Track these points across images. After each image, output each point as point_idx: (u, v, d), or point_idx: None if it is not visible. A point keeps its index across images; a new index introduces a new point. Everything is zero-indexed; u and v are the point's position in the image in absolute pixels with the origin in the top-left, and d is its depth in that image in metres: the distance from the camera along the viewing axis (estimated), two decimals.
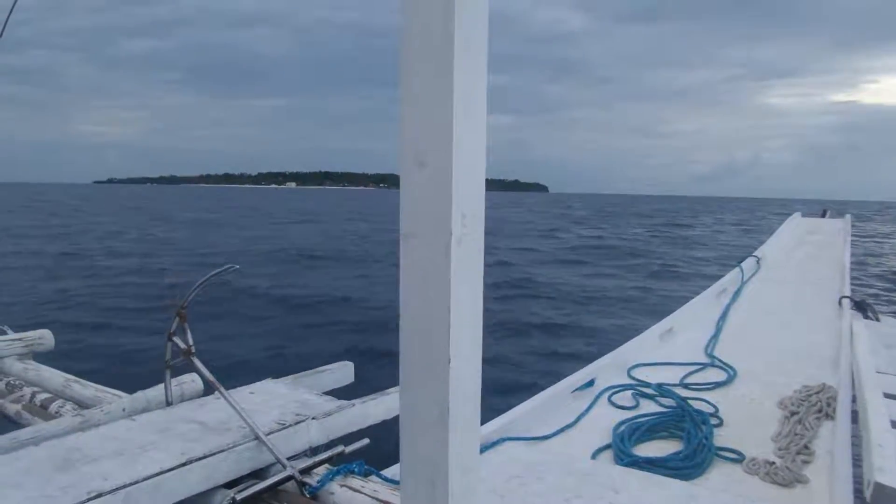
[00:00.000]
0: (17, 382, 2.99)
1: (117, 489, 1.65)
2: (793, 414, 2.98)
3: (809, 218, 8.13)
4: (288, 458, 1.92)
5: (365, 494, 1.76)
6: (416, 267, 1.11)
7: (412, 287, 1.12)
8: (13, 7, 3.68)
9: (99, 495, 1.62)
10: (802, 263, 6.49)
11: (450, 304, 1.07)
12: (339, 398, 2.41)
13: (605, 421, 2.91)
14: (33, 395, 2.76)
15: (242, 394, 2.34)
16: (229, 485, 1.87)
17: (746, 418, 2.96)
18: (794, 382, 3.35)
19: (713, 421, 2.86)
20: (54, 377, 2.97)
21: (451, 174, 1.05)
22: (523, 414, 2.81)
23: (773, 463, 2.51)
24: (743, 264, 5.97)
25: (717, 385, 3.37)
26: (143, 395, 2.47)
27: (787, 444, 2.67)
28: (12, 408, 2.71)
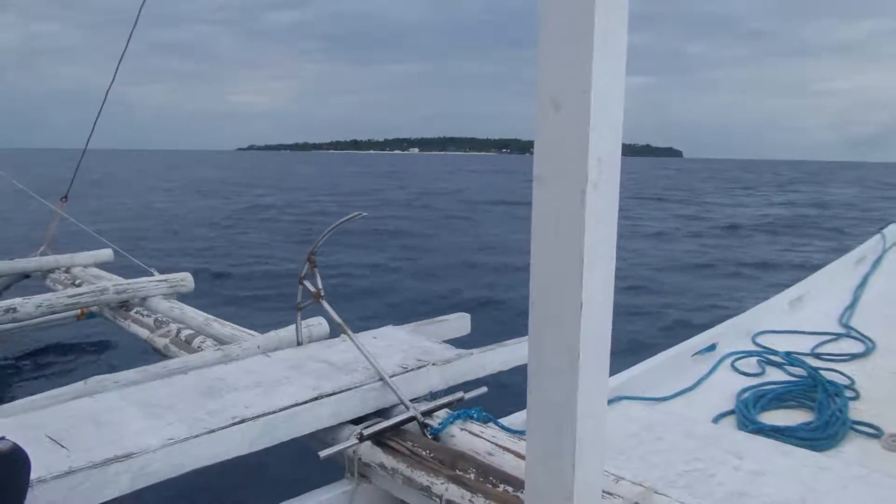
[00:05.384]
0: (164, 319, 3.28)
1: (258, 417, 1.79)
2: None
3: None
4: (410, 401, 2.00)
5: (485, 439, 1.81)
6: (550, 211, 1.10)
7: (545, 231, 1.11)
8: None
9: (242, 421, 1.76)
10: None
11: (583, 249, 1.06)
12: (456, 348, 2.47)
13: (727, 386, 2.81)
14: (178, 330, 3.03)
15: (366, 338, 2.45)
16: (355, 421, 1.97)
17: (886, 393, 2.76)
18: None
19: (848, 393, 2.68)
20: (196, 316, 3.23)
21: (588, 117, 1.03)
22: (641, 374, 2.76)
23: None
24: (885, 231, 5.49)
25: (854, 356, 3.14)
26: (275, 335, 2.64)
27: None
28: (160, 341, 2.98)
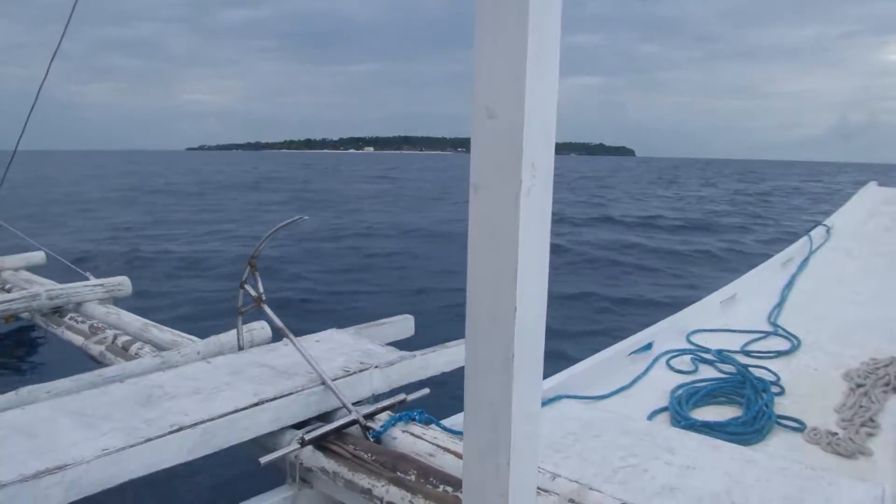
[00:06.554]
0: (99, 325, 3.19)
1: (196, 424, 1.77)
2: (859, 386, 2.90)
3: (885, 188, 7.75)
4: (352, 404, 2.01)
5: (426, 441, 1.83)
6: (485, 217, 1.13)
7: (481, 237, 1.14)
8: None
9: (180, 429, 1.74)
10: (875, 235, 6.21)
11: (517, 254, 1.10)
12: (400, 350, 2.48)
13: (662, 384, 2.91)
14: (115, 337, 2.95)
15: (309, 341, 2.44)
16: (297, 426, 1.97)
17: (809, 388, 2.90)
18: (861, 355, 3.26)
19: (774, 389, 2.82)
20: (133, 321, 3.16)
21: (522, 125, 1.06)
22: (579, 373, 2.83)
23: (836, 434, 2.46)
24: (812, 233, 5.76)
25: (780, 354, 3.30)
26: (216, 340, 2.60)
27: (851, 416, 2.62)
28: (96, 348, 2.90)
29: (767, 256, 5.33)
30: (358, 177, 41.34)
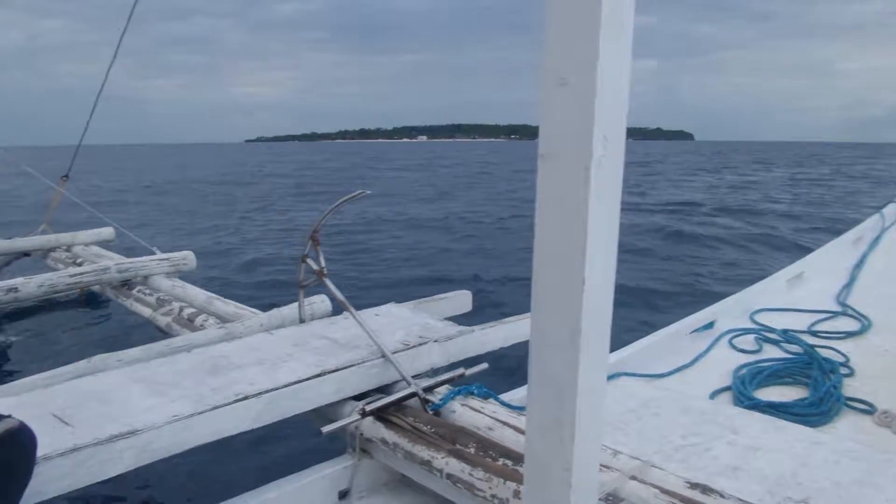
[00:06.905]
0: (166, 297, 3.29)
1: (261, 393, 1.81)
2: None
3: None
4: (411, 377, 2.02)
5: (485, 414, 1.83)
6: (554, 188, 1.10)
7: (549, 208, 1.12)
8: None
9: (245, 398, 1.78)
10: None
11: (587, 226, 1.07)
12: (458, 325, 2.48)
13: (724, 363, 2.84)
14: (181, 309, 3.04)
15: (368, 315, 2.46)
16: (358, 397, 2.00)
17: (880, 370, 2.79)
18: None
19: (843, 370, 2.71)
20: (198, 294, 3.25)
21: (595, 93, 1.03)
22: (639, 351, 2.79)
23: None
24: (884, 210, 5.50)
25: (850, 334, 3.17)
26: (278, 313, 2.66)
27: None
28: (163, 320, 3.00)
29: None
30: (397, 165, 40.78)
